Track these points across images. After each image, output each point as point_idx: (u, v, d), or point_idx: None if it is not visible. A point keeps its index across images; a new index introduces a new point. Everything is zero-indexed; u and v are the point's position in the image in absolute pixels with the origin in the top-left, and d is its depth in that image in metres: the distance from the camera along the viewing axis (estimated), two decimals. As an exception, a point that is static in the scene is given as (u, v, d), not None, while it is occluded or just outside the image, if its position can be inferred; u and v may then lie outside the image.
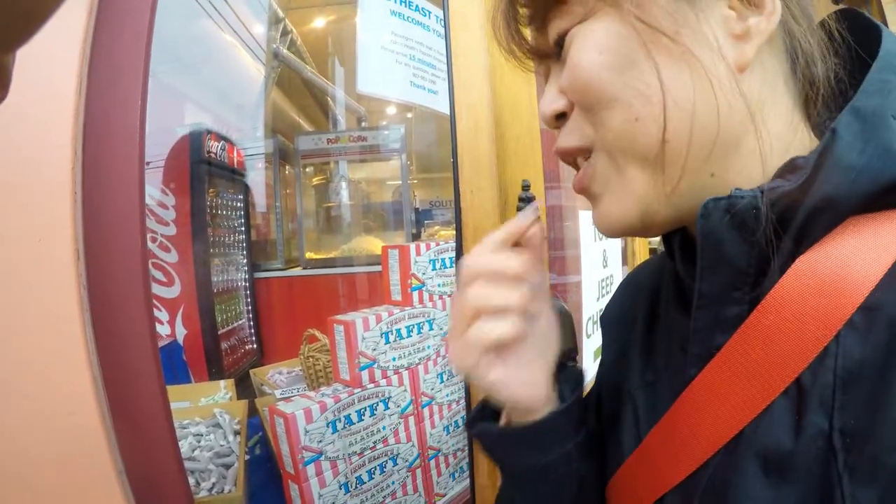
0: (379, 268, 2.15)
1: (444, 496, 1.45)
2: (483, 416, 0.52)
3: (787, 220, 0.36)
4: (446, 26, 1.06)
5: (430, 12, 1.45)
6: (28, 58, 0.62)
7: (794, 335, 0.34)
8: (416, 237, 3.19)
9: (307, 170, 3.36)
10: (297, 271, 3.08)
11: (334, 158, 3.17)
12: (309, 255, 3.16)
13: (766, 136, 0.38)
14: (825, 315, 0.33)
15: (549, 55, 0.45)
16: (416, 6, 1.42)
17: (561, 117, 0.44)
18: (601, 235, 1.65)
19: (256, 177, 3.29)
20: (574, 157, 0.45)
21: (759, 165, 0.38)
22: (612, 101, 0.38)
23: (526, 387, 0.47)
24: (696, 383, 0.40)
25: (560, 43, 0.42)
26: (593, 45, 0.39)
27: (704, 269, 0.38)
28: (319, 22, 3.32)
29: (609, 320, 0.61)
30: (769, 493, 0.34)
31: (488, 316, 0.43)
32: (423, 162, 3.79)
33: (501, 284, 0.43)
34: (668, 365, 0.48)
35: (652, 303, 0.54)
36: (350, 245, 3.08)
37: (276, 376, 1.91)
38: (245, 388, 1.95)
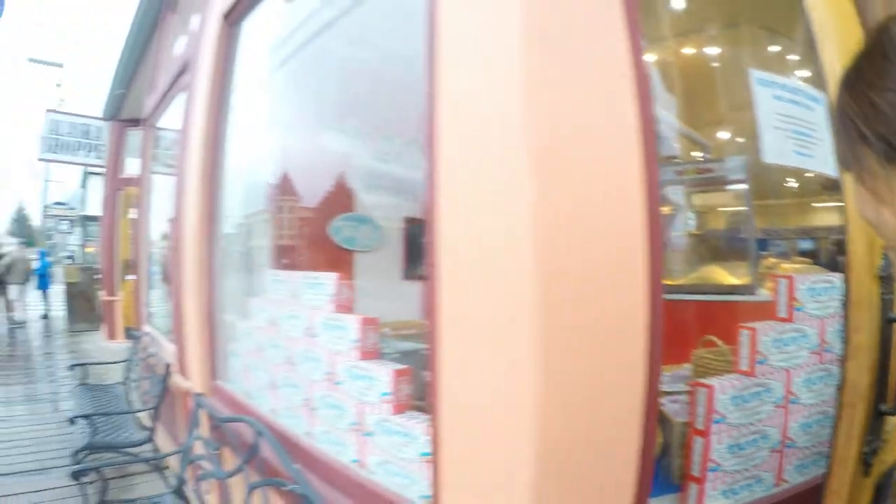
0: (720, 297, 2.56)
1: (787, 482, 1.80)
2: None
3: None
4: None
5: (798, 89, 1.87)
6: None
7: None
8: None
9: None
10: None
11: (683, 189, 3.23)
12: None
13: None
14: None
15: None
16: (793, 87, 1.85)
17: None
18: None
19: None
20: None
21: None
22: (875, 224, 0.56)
23: None
24: None
25: None
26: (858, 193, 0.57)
27: None
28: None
29: None
30: None
31: None
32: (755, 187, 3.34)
33: None
34: None
35: None
36: (698, 274, 3.14)
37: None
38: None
